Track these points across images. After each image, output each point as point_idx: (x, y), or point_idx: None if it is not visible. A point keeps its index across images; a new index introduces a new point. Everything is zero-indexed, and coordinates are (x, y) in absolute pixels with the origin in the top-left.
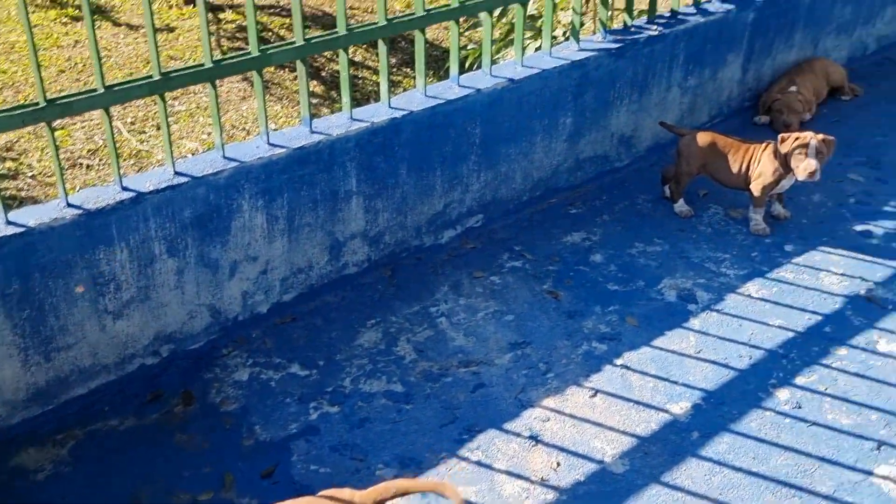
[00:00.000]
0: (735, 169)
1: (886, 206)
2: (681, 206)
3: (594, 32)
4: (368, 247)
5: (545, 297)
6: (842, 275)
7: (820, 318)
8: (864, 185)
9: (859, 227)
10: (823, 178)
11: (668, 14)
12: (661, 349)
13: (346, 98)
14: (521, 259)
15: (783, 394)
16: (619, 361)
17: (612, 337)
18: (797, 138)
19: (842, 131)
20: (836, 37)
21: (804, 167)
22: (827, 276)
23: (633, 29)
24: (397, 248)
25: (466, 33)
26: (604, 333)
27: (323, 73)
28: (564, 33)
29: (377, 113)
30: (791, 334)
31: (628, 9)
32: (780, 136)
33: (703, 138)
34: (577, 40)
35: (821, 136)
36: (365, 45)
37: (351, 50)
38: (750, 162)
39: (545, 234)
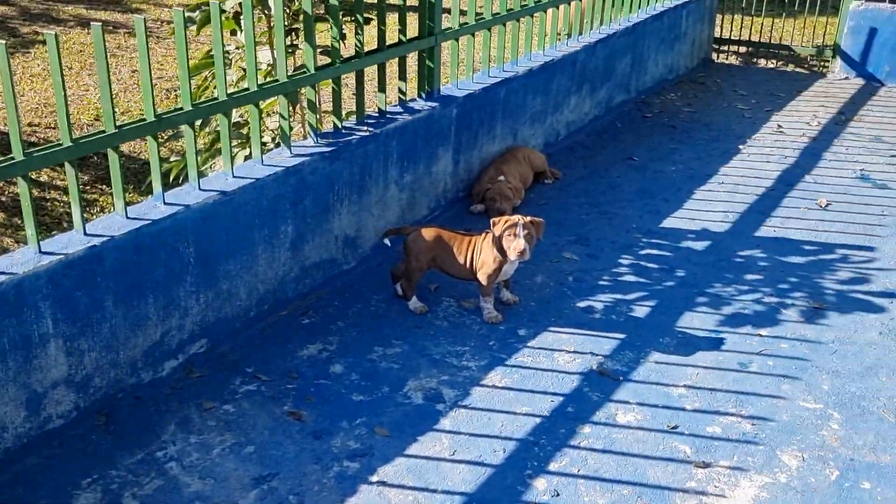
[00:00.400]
0: (461, 260)
1: (601, 280)
2: (414, 303)
3: (304, 137)
4: (75, 393)
5: (287, 420)
6: (574, 352)
7: (561, 398)
8: (579, 263)
9: (581, 304)
10: (542, 258)
11: (376, 114)
12: (416, 457)
13: (30, 231)
14: (256, 381)
15: (540, 483)
16: (374, 479)
17: (363, 453)
18: (506, 221)
19: (550, 212)
20: (531, 126)
21: (514, 247)
22: (561, 355)
23: (344, 130)
24: (111, 390)
25: (168, 144)
26: (354, 450)
27: (2, 198)
28: (274, 139)
29: (71, 242)
30: (538, 420)
31: (336, 111)
32: (491, 221)
33: (427, 234)
34: (289, 146)
35: (528, 218)
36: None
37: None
38: (473, 252)
39: (279, 350)
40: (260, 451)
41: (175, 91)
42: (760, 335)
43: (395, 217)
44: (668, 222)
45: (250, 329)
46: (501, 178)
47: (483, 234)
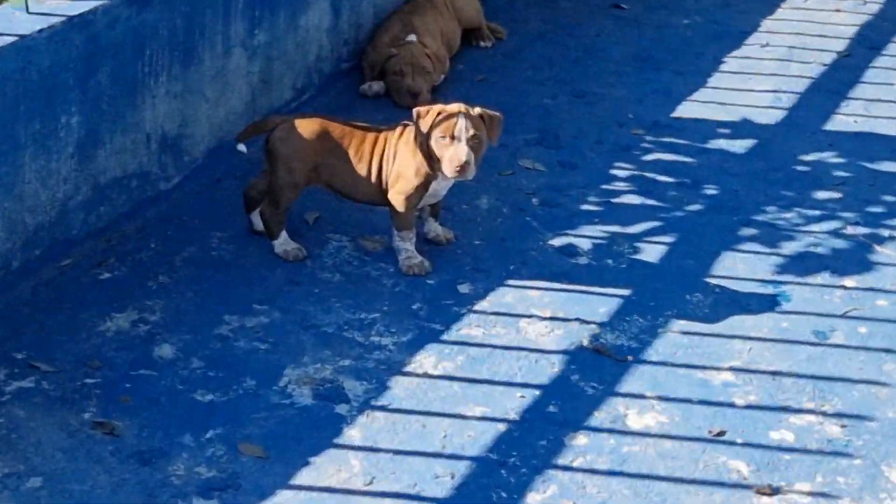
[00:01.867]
0: (362, 171)
1: (584, 203)
2: (284, 242)
3: None
4: None
5: (91, 435)
6: (551, 319)
7: (536, 392)
8: (547, 177)
9: (556, 241)
10: (487, 170)
11: None
12: (310, 489)
13: None
14: (34, 374)
15: None
16: None
17: (223, 485)
18: (439, 112)
19: (493, 95)
20: None
21: (451, 158)
22: (530, 324)
23: None
24: None
25: None
26: (208, 481)
27: None
28: None
29: None
30: (502, 427)
31: None
32: (415, 112)
33: (306, 128)
34: None
35: (476, 109)
36: None
37: None
38: (382, 159)
39: (68, 324)
40: (53, 486)
41: None
42: (844, 287)
43: (243, 103)
44: (686, 109)
45: (16, 289)
46: (412, 37)
47: (398, 130)
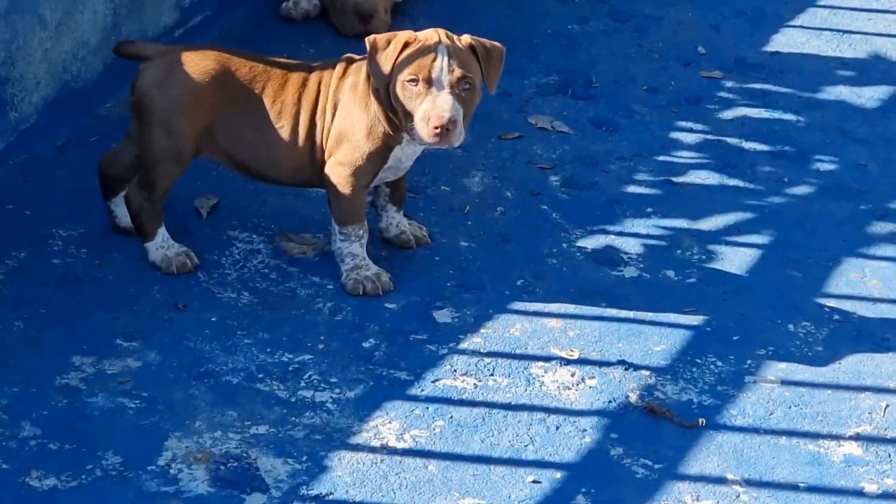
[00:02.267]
0: (283, 133)
1: (631, 182)
2: (163, 245)
3: None
4: None
5: None
6: (580, 363)
7: (560, 474)
8: (574, 141)
9: (589, 242)
10: (482, 133)
11: None
12: None
13: None
14: None
15: None
16: None
17: None
18: (407, 42)
19: (490, 18)
20: None
21: (426, 112)
22: (549, 371)
23: None
24: None
25: None
26: None
27: None
28: None
29: None
30: None
31: None
32: (368, 41)
33: (196, 65)
34: None
35: (465, 39)
36: None
37: None
38: (313, 113)
39: None
40: None
41: None
42: None
43: (100, 30)
44: (786, 40)
45: None
46: None
47: (339, 68)
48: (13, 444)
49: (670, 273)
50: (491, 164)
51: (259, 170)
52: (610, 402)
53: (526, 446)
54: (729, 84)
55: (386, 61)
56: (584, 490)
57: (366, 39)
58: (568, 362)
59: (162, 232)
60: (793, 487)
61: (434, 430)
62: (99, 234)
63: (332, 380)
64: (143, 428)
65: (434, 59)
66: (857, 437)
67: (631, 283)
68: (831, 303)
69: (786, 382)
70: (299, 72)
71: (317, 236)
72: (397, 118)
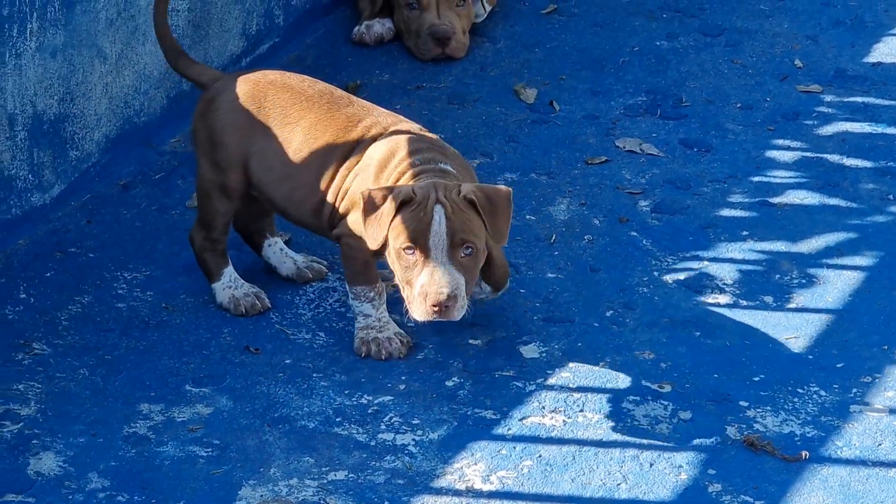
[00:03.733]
0: (309, 173)
1: (725, 205)
2: (231, 285)
3: None
4: None
5: None
6: (675, 396)
7: None
8: (665, 164)
9: (681, 271)
10: (568, 159)
11: None
12: None
13: None
14: None
15: None
16: None
17: None
18: (403, 202)
19: (573, 37)
20: None
21: (422, 289)
22: (642, 406)
23: None
24: None
25: None
26: None
27: None
28: None
29: None
30: None
31: None
32: (362, 196)
33: (236, 89)
34: None
35: (466, 189)
36: None
37: None
38: (341, 163)
39: None
40: None
41: None
42: None
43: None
44: (885, 50)
45: None
46: None
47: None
48: (80, 497)
49: (768, 299)
50: (577, 190)
51: (281, 206)
52: (706, 436)
53: (619, 485)
54: (828, 98)
55: (381, 224)
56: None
57: (360, 193)
58: (660, 395)
59: (228, 272)
60: None
61: (522, 470)
62: (165, 276)
63: (415, 421)
64: (215, 477)
65: (430, 224)
66: None
67: (726, 311)
68: None
69: (894, 412)
70: (346, 115)
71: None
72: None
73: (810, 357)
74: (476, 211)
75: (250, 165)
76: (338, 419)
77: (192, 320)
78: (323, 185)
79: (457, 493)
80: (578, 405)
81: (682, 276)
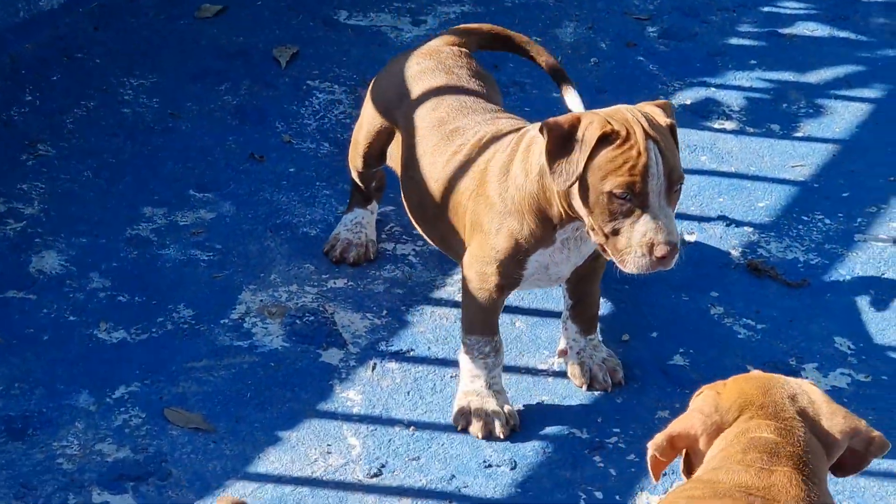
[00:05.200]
0: (435, 172)
1: (743, 34)
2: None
3: None
4: None
5: None
6: None
7: None
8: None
9: (699, 93)
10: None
11: None
12: (299, 482)
13: None
14: None
15: None
16: None
17: (143, 471)
18: (603, 135)
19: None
20: None
21: (650, 239)
22: None
23: None
24: None
25: None
26: (120, 464)
27: None
28: None
29: None
30: None
31: None
32: (547, 126)
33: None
34: None
35: (662, 118)
36: None
37: None
38: (466, 170)
39: None
40: None
41: None
42: None
43: None
44: None
45: None
46: None
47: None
48: (81, 295)
49: (775, 127)
50: (585, 14)
51: (408, 206)
52: (710, 260)
53: (621, 302)
54: None
55: (576, 161)
56: (681, 350)
57: (543, 124)
58: None
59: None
60: None
61: None
62: (172, 84)
63: (416, 231)
64: (216, 281)
65: (647, 165)
66: None
67: (733, 137)
68: None
69: None
70: (490, 120)
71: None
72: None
73: (816, 185)
74: (675, 139)
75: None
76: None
77: (198, 127)
78: (443, 196)
79: (455, 304)
80: None
81: (688, 100)
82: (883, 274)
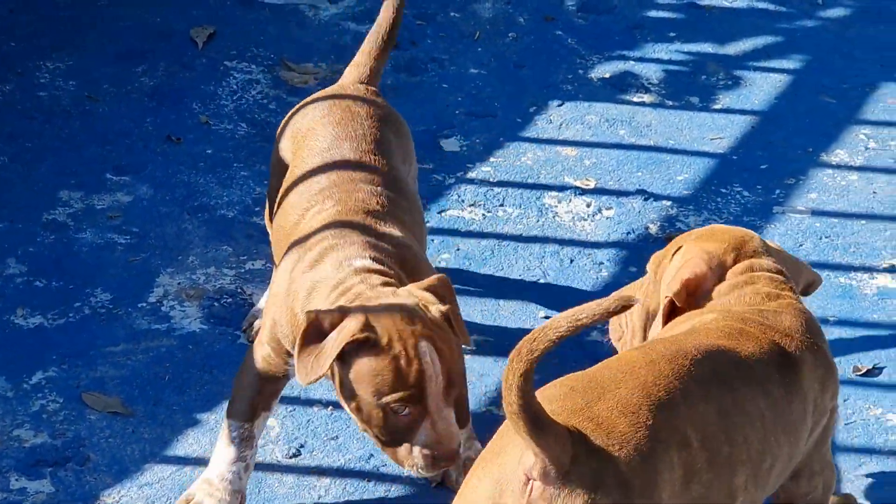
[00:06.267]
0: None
1: (662, 6)
2: None
3: None
4: None
5: None
6: None
7: None
8: None
9: (618, 66)
10: None
11: None
12: None
13: None
14: None
15: None
16: None
17: (61, 456)
18: (355, 340)
19: None
20: None
21: (431, 446)
22: None
23: None
24: None
25: None
26: (37, 449)
27: None
28: None
29: None
30: None
31: None
32: (307, 319)
33: None
34: None
35: (434, 307)
36: None
37: None
38: None
39: None
40: None
41: None
42: None
43: None
44: None
45: None
46: None
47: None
48: None
49: (694, 100)
50: None
51: None
52: (628, 233)
53: (538, 280)
54: None
55: (322, 360)
56: (601, 327)
57: (307, 312)
58: (583, 192)
59: None
60: (823, 321)
61: (439, 262)
62: (90, 66)
63: None
64: (133, 264)
65: (421, 371)
66: (892, 269)
67: (651, 110)
68: (867, 130)
69: (816, 213)
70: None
71: (319, 65)
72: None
73: (734, 158)
74: (451, 326)
75: None
76: (257, 209)
77: (115, 109)
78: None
79: None
80: (498, 199)
81: (607, 74)
82: (801, 245)
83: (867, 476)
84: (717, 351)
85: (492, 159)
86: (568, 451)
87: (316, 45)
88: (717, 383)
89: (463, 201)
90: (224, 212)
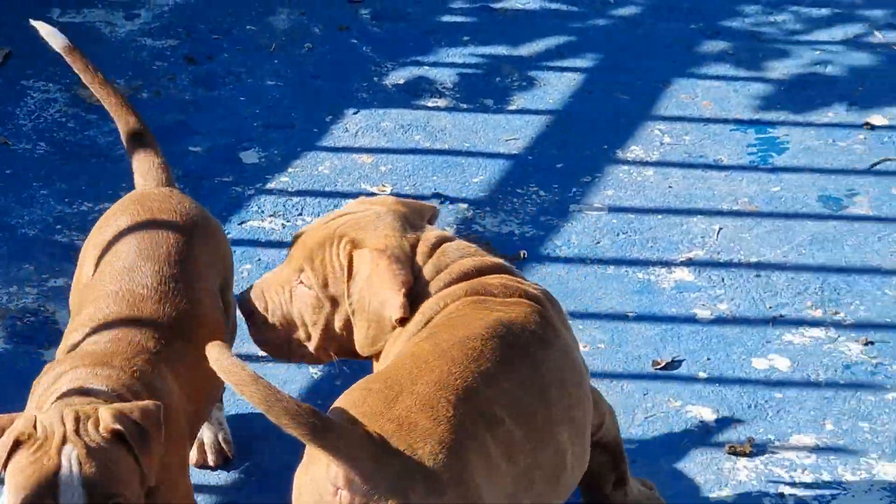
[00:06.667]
0: None
1: (455, 11)
2: None
3: None
4: None
5: None
6: None
7: None
8: None
9: (412, 72)
10: None
11: None
12: None
13: None
14: None
15: None
16: None
17: None
18: (17, 441)
19: None
20: None
21: None
22: None
23: None
24: None
25: None
26: None
27: None
28: None
29: None
30: None
31: None
32: None
33: None
34: None
35: (107, 421)
36: None
37: None
38: None
39: None
40: None
41: None
42: (870, 126)
43: None
44: None
45: None
46: None
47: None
48: None
49: (489, 102)
50: (297, 0)
51: None
52: None
53: None
54: None
55: None
56: None
57: None
58: None
59: None
60: (622, 317)
61: (241, 273)
62: None
63: None
64: None
65: (53, 473)
66: (689, 263)
67: (446, 114)
68: (661, 126)
69: (613, 209)
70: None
71: (117, 82)
72: None
73: (530, 158)
74: (126, 445)
75: None
76: (58, 227)
77: None
78: None
79: None
80: (297, 209)
81: (401, 80)
82: (598, 242)
83: (668, 468)
84: (499, 324)
85: (290, 170)
86: (369, 456)
87: (114, 62)
88: (511, 355)
89: (263, 212)
90: (25, 231)
